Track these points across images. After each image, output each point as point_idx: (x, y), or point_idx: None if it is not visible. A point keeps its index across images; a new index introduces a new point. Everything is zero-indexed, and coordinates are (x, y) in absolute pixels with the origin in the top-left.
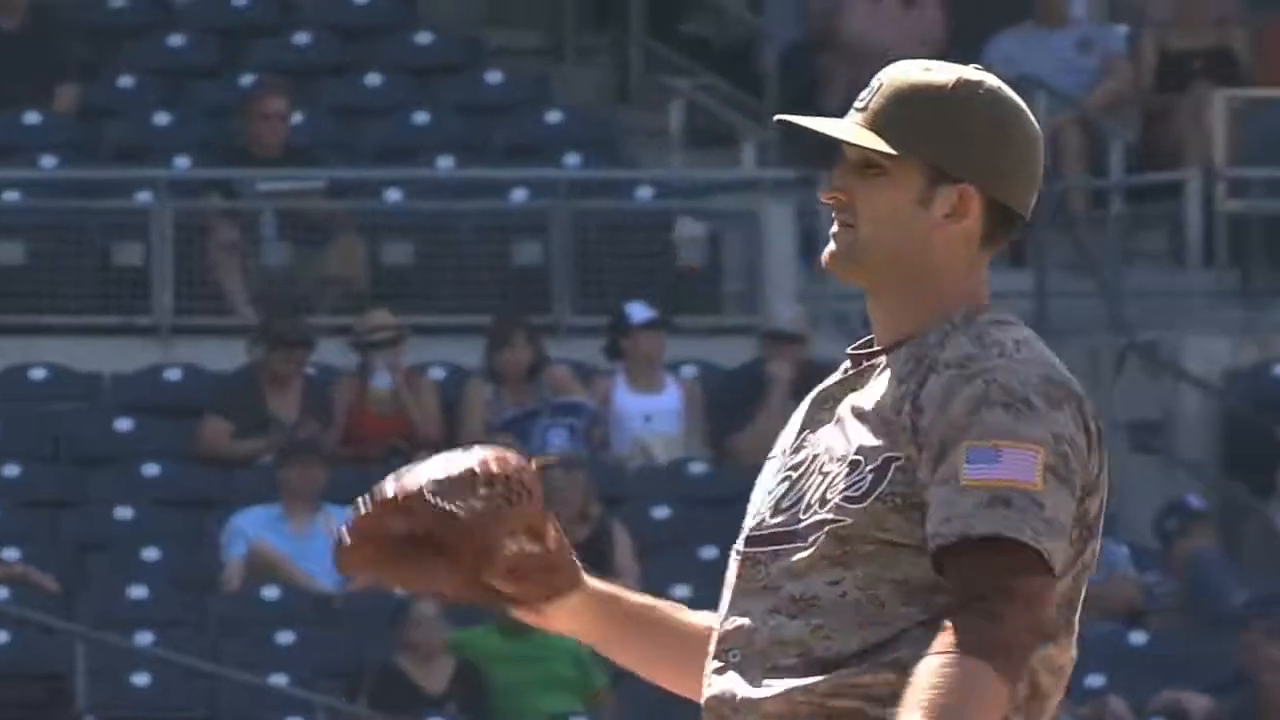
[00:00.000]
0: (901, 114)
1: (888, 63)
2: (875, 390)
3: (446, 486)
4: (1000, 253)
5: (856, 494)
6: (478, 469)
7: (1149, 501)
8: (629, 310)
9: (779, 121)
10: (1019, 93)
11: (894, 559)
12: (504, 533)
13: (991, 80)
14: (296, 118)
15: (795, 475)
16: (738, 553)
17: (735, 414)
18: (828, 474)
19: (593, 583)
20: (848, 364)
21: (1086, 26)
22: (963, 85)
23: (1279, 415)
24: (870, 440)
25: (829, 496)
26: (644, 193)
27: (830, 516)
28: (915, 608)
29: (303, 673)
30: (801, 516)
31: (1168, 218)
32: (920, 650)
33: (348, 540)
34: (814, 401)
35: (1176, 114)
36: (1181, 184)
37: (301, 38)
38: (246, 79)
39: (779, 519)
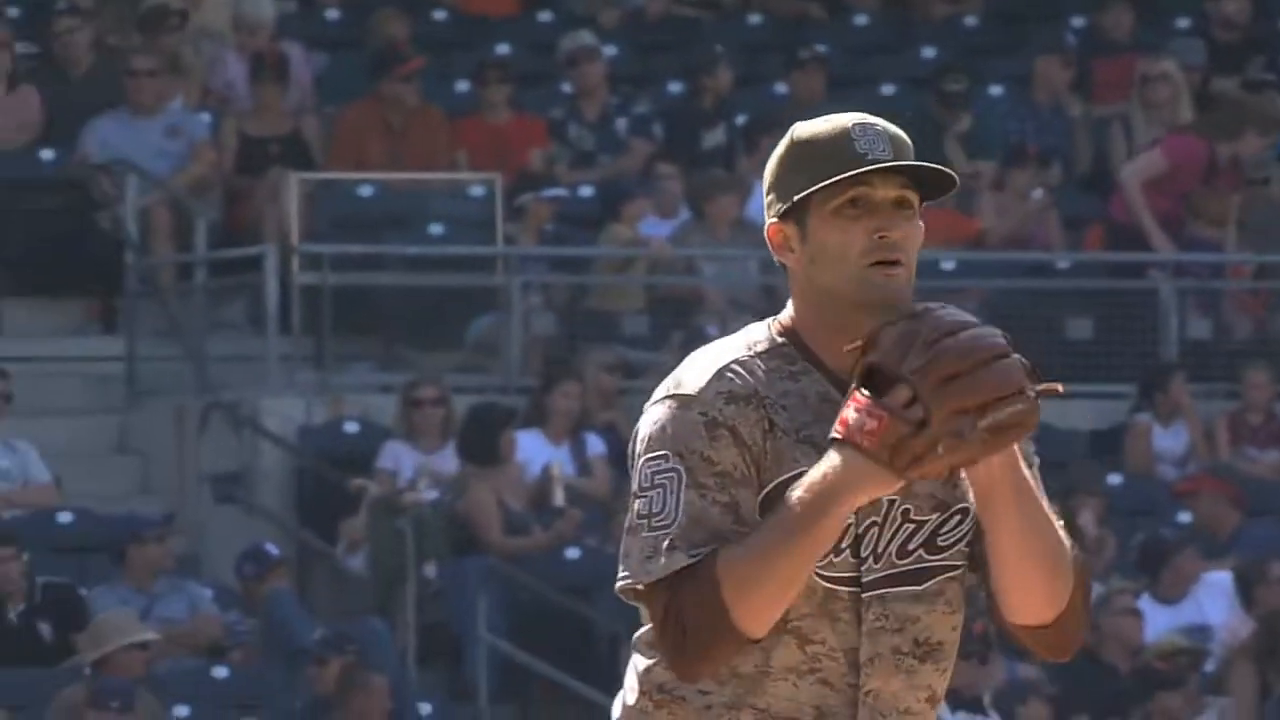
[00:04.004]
0: (913, 156)
1: None
2: None
3: None
4: (92, 319)
5: (971, 538)
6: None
7: (232, 547)
8: None
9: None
10: (112, 175)
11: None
12: None
13: None
14: None
15: (880, 519)
16: (854, 590)
17: None
18: (922, 522)
19: None
20: (830, 389)
21: (176, 113)
22: None
23: (348, 470)
24: (966, 486)
25: (942, 544)
26: None
27: (949, 562)
28: None
29: None
30: (900, 561)
31: (248, 289)
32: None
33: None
34: None
35: (255, 194)
36: (260, 258)
37: None
38: None
39: (907, 560)
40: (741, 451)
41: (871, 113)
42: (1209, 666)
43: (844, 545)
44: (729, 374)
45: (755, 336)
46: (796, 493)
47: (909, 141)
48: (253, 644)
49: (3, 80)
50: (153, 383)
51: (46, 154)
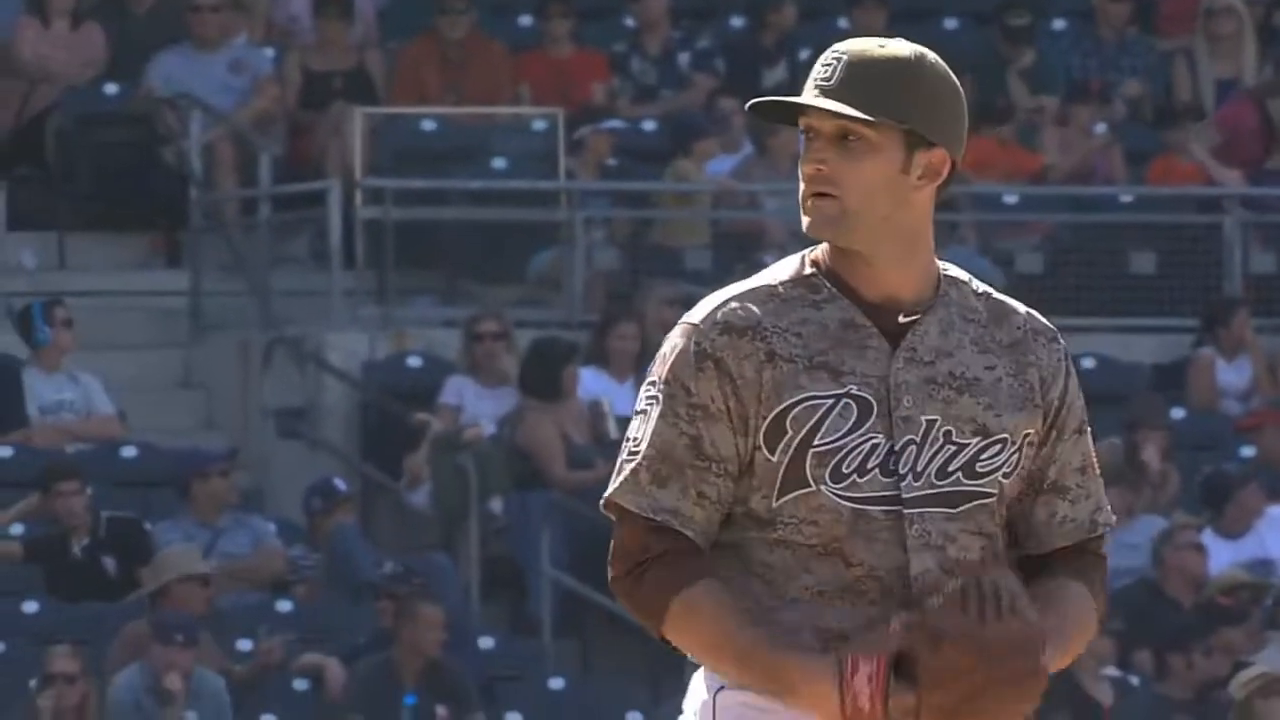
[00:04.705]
0: (877, 86)
1: (59, 82)
2: (965, 358)
3: None
4: (156, 253)
5: (1010, 470)
6: None
7: (296, 482)
8: None
9: (758, 103)
10: (177, 110)
11: (999, 517)
12: None
13: (930, 52)
14: None
15: (919, 439)
16: (890, 509)
17: None
18: (963, 445)
19: None
20: (857, 314)
21: (239, 48)
22: (920, 57)
23: (411, 404)
24: (1010, 418)
25: (980, 470)
26: None
27: (984, 489)
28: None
29: None
30: (938, 482)
31: (312, 223)
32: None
33: None
34: (907, 359)
35: (319, 129)
36: (324, 193)
37: None
38: None
39: (946, 481)
40: (723, 385)
41: (934, 47)
42: (1271, 601)
43: (871, 465)
44: (733, 304)
45: (785, 266)
46: (779, 651)
47: (887, 75)
48: (316, 578)
49: (68, 16)
50: (217, 317)
51: (111, 89)
